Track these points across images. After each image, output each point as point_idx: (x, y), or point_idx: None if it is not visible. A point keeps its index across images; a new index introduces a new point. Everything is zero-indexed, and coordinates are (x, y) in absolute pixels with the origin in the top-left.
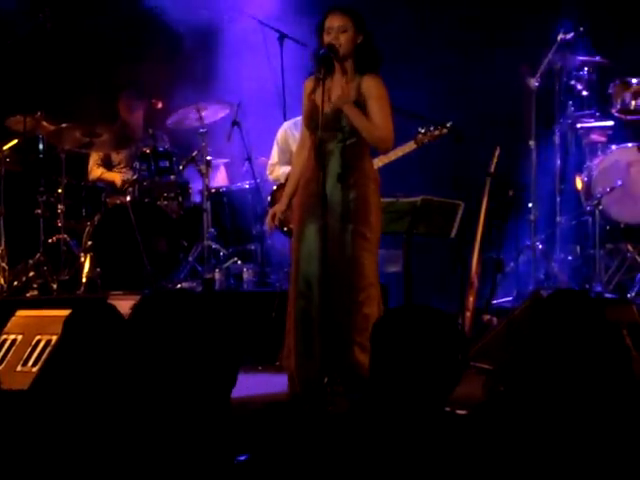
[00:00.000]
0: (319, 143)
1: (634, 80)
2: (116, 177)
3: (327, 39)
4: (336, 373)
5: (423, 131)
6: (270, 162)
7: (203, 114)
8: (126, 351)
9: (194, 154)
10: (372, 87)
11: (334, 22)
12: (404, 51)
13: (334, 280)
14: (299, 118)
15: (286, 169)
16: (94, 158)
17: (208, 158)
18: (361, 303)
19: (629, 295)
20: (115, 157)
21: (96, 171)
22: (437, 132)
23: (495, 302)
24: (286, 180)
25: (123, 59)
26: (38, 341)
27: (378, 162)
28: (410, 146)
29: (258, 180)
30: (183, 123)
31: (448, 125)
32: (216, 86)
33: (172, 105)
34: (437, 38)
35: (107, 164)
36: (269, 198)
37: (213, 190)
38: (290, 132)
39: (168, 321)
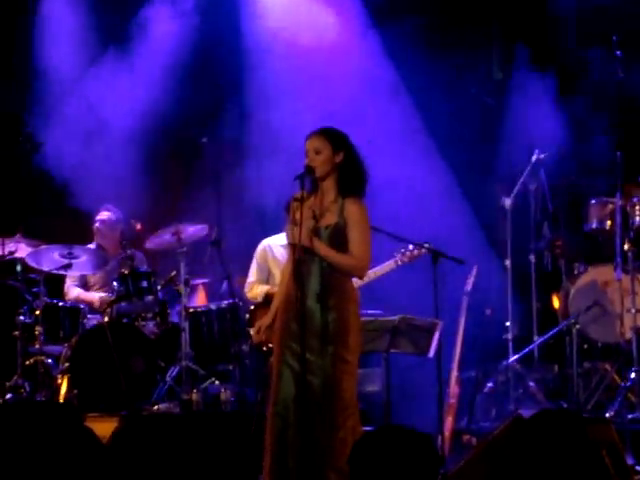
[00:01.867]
0: (298, 262)
1: (609, 200)
2: (94, 298)
3: (306, 161)
4: None
5: (402, 251)
6: (248, 280)
7: (182, 235)
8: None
9: (173, 274)
10: (354, 212)
11: (310, 144)
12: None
13: (312, 402)
14: (278, 236)
15: (264, 288)
16: (71, 279)
17: (187, 278)
18: (338, 427)
19: (607, 415)
20: (91, 278)
21: (72, 292)
22: (416, 252)
23: (474, 422)
24: (264, 299)
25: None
26: None
27: (358, 281)
28: (390, 266)
29: (237, 299)
30: (162, 244)
31: (426, 245)
32: (195, 206)
33: (150, 225)
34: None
35: (83, 284)
36: (247, 316)
37: (191, 310)
38: (269, 249)
39: (147, 447)
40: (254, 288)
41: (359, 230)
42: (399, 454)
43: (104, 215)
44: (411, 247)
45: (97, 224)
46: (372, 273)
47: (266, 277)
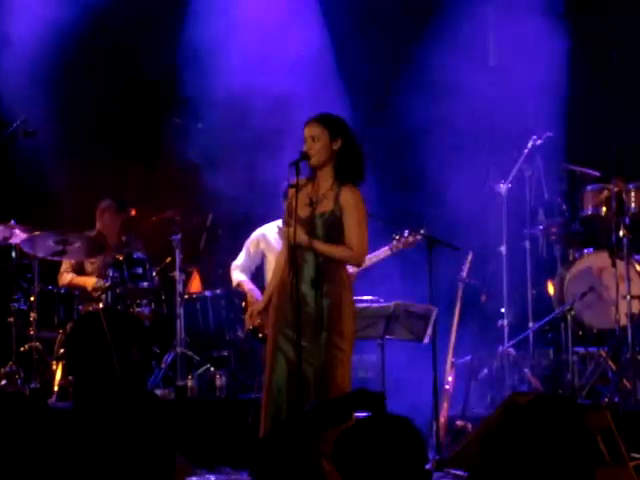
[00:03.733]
0: (293, 249)
1: (604, 186)
2: (87, 281)
3: (304, 148)
4: None
5: (397, 237)
6: (234, 262)
7: (176, 220)
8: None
9: (167, 260)
10: (349, 200)
11: (308, 131)
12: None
13: (305, 389)
14: (274, 222)
15: (240, 277)
16: (65, 265)
17: (181, 264)
18: None
19: (602, 400)
20: (88, 266)
21: (66, 277)
22: (411, 238)
23: (469, 408)
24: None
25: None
26: None
27: (353, 267)
28: (385, 252)
29: (231, 286)
30: (157, 229)
31: (422, 231)
32: (191, 193)
33: (146, 211)
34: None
35: (79, 271)
36: (243, 303)
37: (187, 296)
38: (263, 238)
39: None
40: (234, 272)
41: (354, 218)
42: (382, 442)
43: (106, 203)
44: (406, 233)
45: (99, 211)
46: (367, 259)
47: (253, 266)
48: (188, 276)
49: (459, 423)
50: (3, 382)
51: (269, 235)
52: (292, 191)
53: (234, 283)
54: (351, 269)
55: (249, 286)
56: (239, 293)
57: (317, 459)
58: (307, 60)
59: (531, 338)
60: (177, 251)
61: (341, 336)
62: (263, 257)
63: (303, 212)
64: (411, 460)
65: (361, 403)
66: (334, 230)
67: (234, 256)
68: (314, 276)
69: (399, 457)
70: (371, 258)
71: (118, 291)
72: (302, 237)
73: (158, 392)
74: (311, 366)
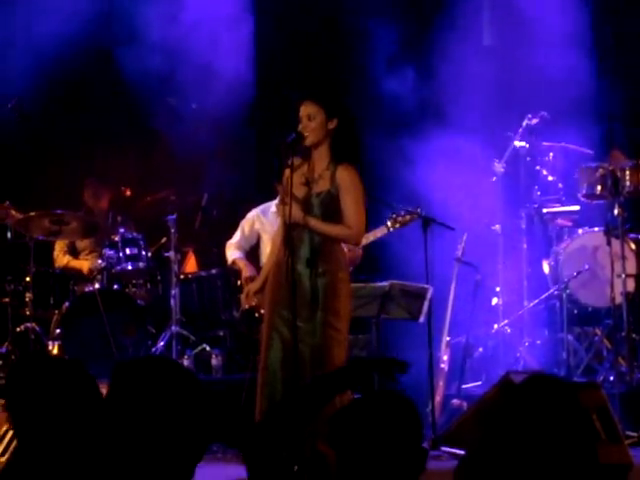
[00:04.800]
0: (289, 228)
1: (599, 165)
2: (83, 265)
3: (299, 126)
4: (301, 463)
5: (394, 216)
6: (229, 241)
7: (172, 200)
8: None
9: (163, 240)
10: (345, 179)
11: (303, 110)
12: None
13: (301, 369)
14: (270, 203)
15: (235, 254)
16: (60, 245)
17: (177, 244)
18: None
19: (597, 378)
20: (79, 244)
21: (62, 259)
22: (408, 217)
23: (464, 387)
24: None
25: (95, 147)
26: (6, 431)
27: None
28: (382, 231)
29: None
30: (153, 209)
31: (418, 211)
32: (186, 173)
33: (141, 191)
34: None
35: (72, 251)
36: (239, 283)
37: (182, 276)
38: (258, 218)
39: (145, 389)
40: (228, 250)
41: (352, 197)
42: (378, 419)
43: (90, 182)
44: (403, 212)
45: (85, 190)
46: (364, 238)
47: (247, 245)
48: (183, 256)
49: (455, 402)
50: None
51: (264, 215)
52: (287, 171)
53: (229, 261)
54: (358, 250)
55: (243, 262)
56: (235, 272)
57: (313, 439)
58: None
59: (526, 317)
60: (172, 231)
61: (337, 316)
62: (258, 237)
63: (299, 192)
64: (408, 438)
65: (361, 371)
66: (331, 209)
67: (229, 236)
68: (310, 255)
69: (396, 435)
70: (368, 237)
71: (113, 271)
72: (298, 215)
73: None
74: (307, 346)
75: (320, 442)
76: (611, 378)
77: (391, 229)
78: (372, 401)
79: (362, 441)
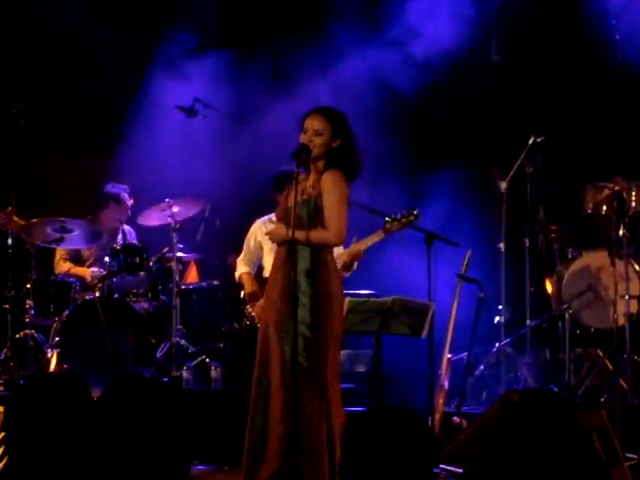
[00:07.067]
0: (290, 241)
1: (605, 185)
2: (85, 272)
3: (303, 138)
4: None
5: (390, 219)
6: (238, 258)
7: (174, 210)
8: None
9: (165, 250)
10: (327, 181)
11: (312, 124)
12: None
13: (300, 379)
14: (270, 216)
15: (242, 269)
16: (60, 253)
17: (179, 255)
18: (305, 405)
19: (599, 400)
20: (85, 252)
21: (62, 266)
22: (404, 220)
23: (465, 405)
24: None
25: (100, 154)
26: (2, 439)
27: (353, 248)
28: (379, 235)
29: (228, 277)
30: (155, 219)
31: (415, 212)
32: (189, 181)
33: (143, 200)
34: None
35: (76, 259)
36: (242, 294)
37: (183, 287)
38: (259, 228)
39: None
40: (238, 265)
41: (331, 197)
42: (394, 436)
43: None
44: (399, 215)
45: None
46: (361, 244)
47: (255, 258)
48: (185, 266)
49: (454, 420)
50: None
51: (266, 225)
52: (291, 184)
53: (236, 277)
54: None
55: (247, 277)
56: (236, 285)
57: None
58: None
59: (528, 336)
60: (174, 241)
61: (330, 323)
62: (260, 249)
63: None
64: (422, 460)
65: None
66: (318, 215)
67: (231, 247)
68: (309, 267)
69: (410, 455)
70: (366, 242)
71: (115, 280)
72: (282, 232)
73: None
74: (303, 357)
75: (303, 459)
76: (612, 400)
77: (388, 232)
78: (383, 415)
79: (375, 456)
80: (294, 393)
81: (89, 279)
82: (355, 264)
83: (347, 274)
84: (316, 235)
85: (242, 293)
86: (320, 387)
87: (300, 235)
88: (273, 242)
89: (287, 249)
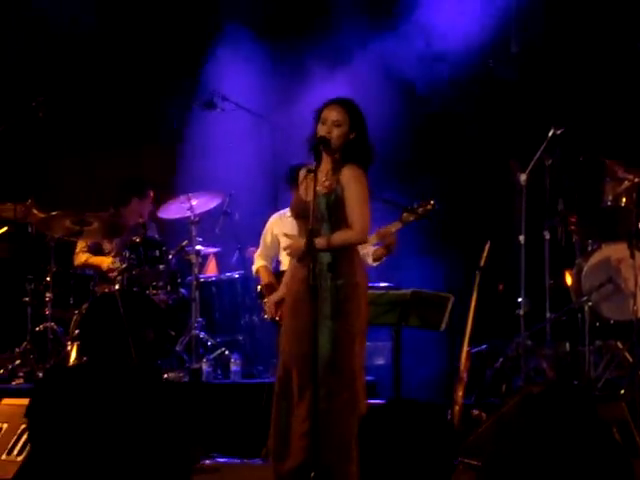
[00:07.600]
0: (310, 233)
1: (625, 177)
2: (103, 261)
3: (321, 129)
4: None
5: (409, 209)
6: (256, 252)
7: (194, 204)
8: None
9: (184, 243)
10: (348, 177)
11: (331, 114)
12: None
13: (321, 372)
14: (285, 210)
15: (259, 263)
16: (81, 245)
17: (198, 248)
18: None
19: (619, 392)
20: (107, 245)
21: (81, 257)
22: (421, 209)
23: (484, 397)
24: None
25: (121, 149)
26: (24, 430)
27: (372, 240)
28: (396, 225)
29: (247, 270)
30: (174, 213)
31: (432, 202)
32: (208, 175)
33: (163, 194)
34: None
35: (97, 252)
36: (259, 288)
37: (202, 280)
38: (276, 222)
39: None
40: (256, 259)
41: (354, 194)
42: (414, 428)
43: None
44: (416, 205)
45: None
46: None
47: (272, 252)
48: (204, 259)
49: (474, 412)
50: (17, 362)
51: (282, 219)
52: (309, 176)
53: (254, 271)
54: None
55: (265, 270)
56: (255, 277)
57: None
58: None
59: (548, 328)
60: (194, 234)
61: (356, 315)
62: (278, 243)
63: (310, 199)
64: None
65: None
66: (337, 209)
67: (250, 240)
68: (330, 260)
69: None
70: (382, 232)
71: (134, 273)
72: (300, 246)
73: (172, 375)
74: (329, 351)
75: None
76: (632, 392)
77: (405, 222)
78: (401, 407)
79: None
80: (319, 388)
81: (106, 268)
82: (386, 252)
83: (376, 264)
84: (339, 238)
85: (259, 287)
86: (348, 381)
87: (321, 242)
88: (293, 257)
89: (308, 241)
